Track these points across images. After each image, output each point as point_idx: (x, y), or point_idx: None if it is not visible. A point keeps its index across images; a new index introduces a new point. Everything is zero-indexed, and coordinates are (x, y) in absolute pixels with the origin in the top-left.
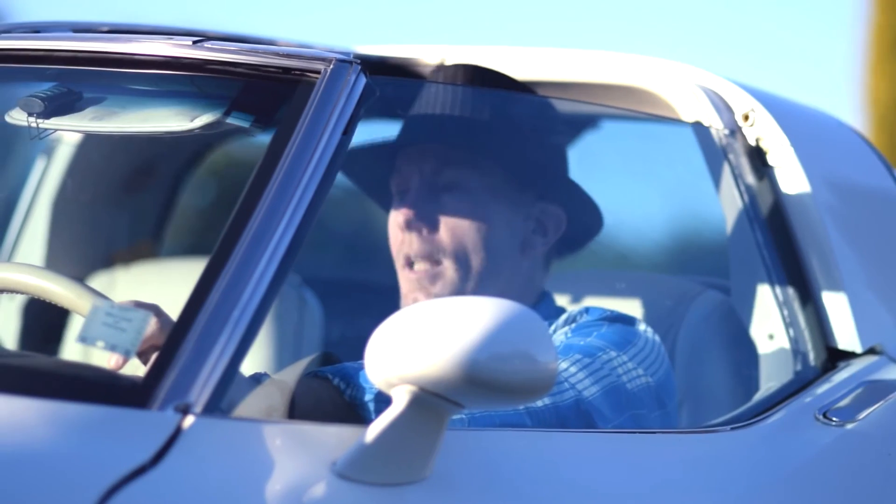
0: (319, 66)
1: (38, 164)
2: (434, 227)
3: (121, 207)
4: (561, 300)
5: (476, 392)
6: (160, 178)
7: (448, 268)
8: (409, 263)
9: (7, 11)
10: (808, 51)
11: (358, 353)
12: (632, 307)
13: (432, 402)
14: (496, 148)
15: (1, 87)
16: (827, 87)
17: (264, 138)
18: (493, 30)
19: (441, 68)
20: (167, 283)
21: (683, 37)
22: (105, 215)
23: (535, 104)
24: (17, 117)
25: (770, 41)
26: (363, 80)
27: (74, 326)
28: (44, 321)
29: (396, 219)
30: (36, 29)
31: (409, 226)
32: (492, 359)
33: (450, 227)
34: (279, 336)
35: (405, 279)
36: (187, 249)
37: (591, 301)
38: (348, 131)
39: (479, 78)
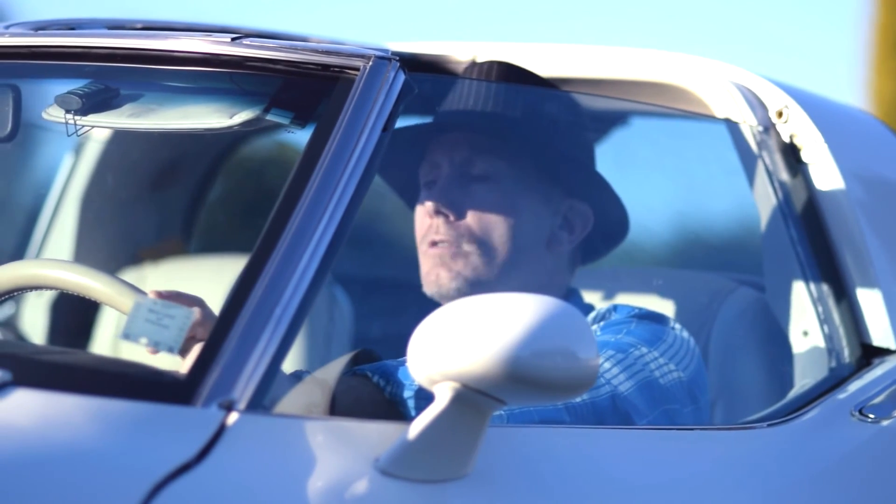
0: (358, 62)
1: (67, 161)
2: (461, 213)
3: (149, 204)
4: (594, 297)
5: (518, 389)
6: (189, 175)
7: (472, 252)
8: (433, 245)
9: (7, 11)
10: (811, 49)
11: (388, 350)
12: (665, 304)
13: (474, 398)
14: (527, 143)
15: (38, 84)
16: (830, 86)
17: (294, 135)
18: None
19: (474, 65)
20: (196, 280)
21: (684, 36)
22: (134, 212)
23: (568, 101)
24: (54, 114)
25: (774, 39)
26: (402, 77)
27: (102, 322)
28: (72, 317)
29: (424, 205)
30: (71, 26)
31: (437, 211)
32: (534, 355)
33: (477, 216)
34: (310, 333)
35: (427, 257)
36: (216, 246)
37: (623, 298)
38: (388, 128)
39: (513, 75)
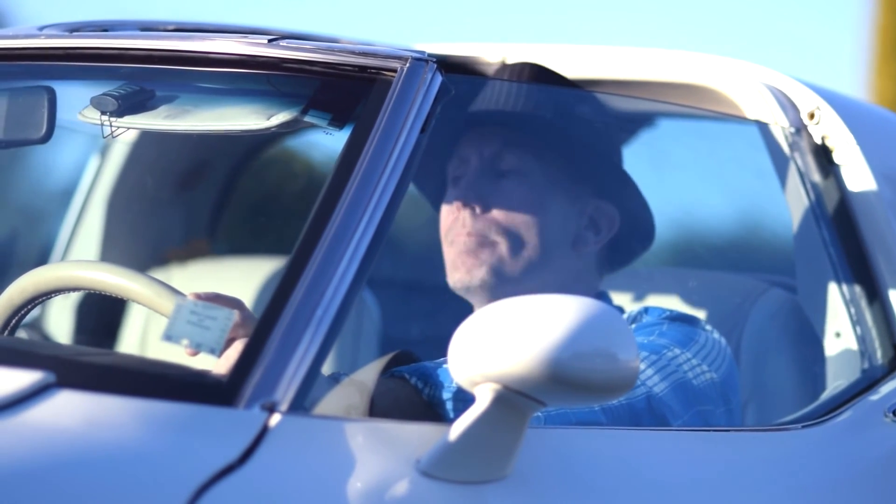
0: (396, 64)
1: (93, 162)
2: (488, 207)
3: (176, 205)
4: (625, 297)
5: (559, 390)
6: (215, 176)
7: (499, 243)
8: (458, 237)
9: (7, 11)
10: (812, 50)
11: (416, 351)
12: (696, 305)
13: (515, 400)
14: (556, 143)
15: (74, 86)
16: (831, 87)
17: (322, 137)
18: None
19: (505, 66)
20: (223, 282)
21: (683, 36)
22: (160, 213)
23: (596, 102)
24: (89, 116)
25: (774, 39)
26: (439, 79)
27: (129, 323)
28: (98, 318)
29: (451, 199)
30: (104, 28)
31: (464, 204)
32: (575, 357)
33: (504, 209)
34: (339, 335)
35: (452, 247)
36: (243, 248)
37: (654, 298)
38: (425, 129)
39: (542, 77)
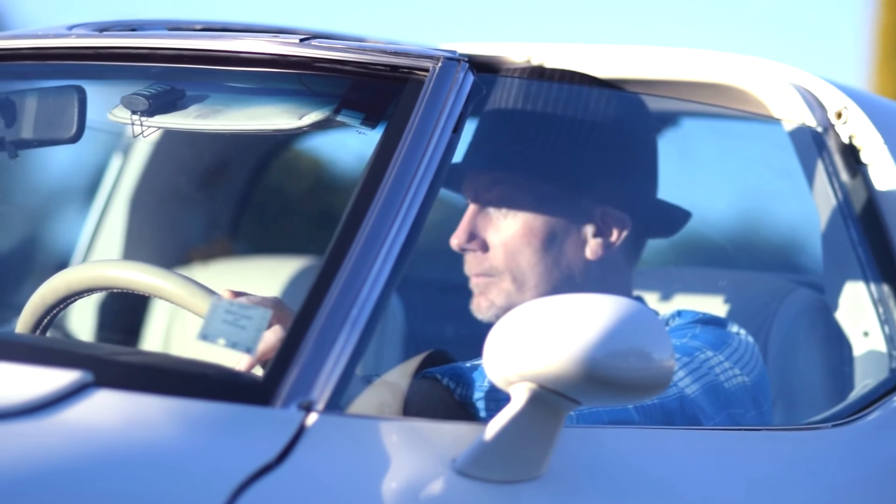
0: (428, 63)
1: (115, 161)
2: (485, 246)
3: (198, 204)
4: (652, 297)
5: (594, 389)
6: (238, 175)
7: (503, 281)
8: (474, 275)
9: (7, 11)
10: (813, 49)
11: (419, 350)
12: (723, 304)
13: (550, 399)
14: (551, 158)
15: (103, 85)
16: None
17: (345, 136)
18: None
19: (531, 67)
20: (245, 281)
21: (683, 36)
22: (183, 212)
23: (622, 100)
24: (120, 115)
25: (775, 39)
26: (471, 78)
27: (151, 322)
28: (120, 317)
29: (457, 233)
30: (132, 27)
31: (462, 249)
32: (610, 356)
33: (501, 245)
34: None
35: (473, 286)
36: (265, 247)
37: (683, 297)
38: (458, 129)
39: (569, 77)
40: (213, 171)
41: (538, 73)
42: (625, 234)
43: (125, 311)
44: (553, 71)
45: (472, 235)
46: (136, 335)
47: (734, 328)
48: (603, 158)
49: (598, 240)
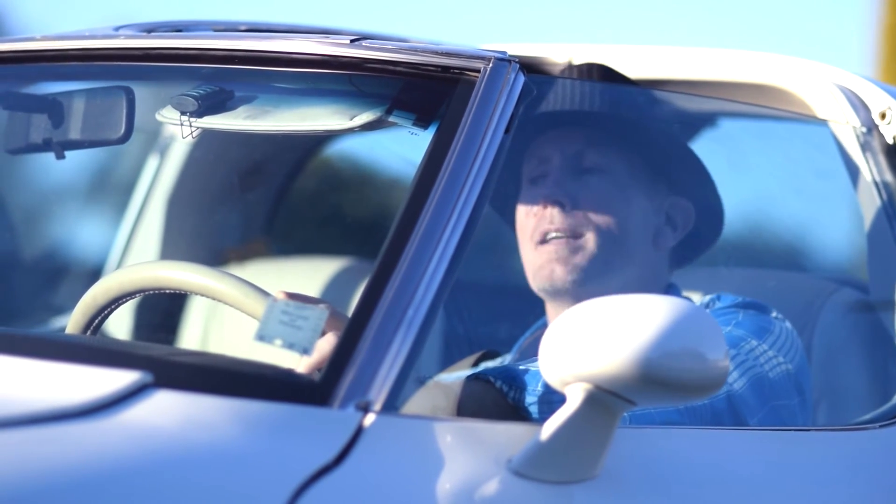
0: (479, 64)
1: (152, 162)
2: (577, 203)
3: (234, 205)
4: (695, 298)
5: (650, 390)
6: (274, 176)
7: (590, 240)
8: (544, 240)
9: (7, 12)
10: (816, 50)
11: (466, 350)
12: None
13: (606, 399)
14: (634, 141)
15: (151, 86)
16: None
17: (383, 138)
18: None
19: (573, 67)
20: (282, 283)
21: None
22: (219, 213)
23: (669, 101)
24: (168, 116)
25: (777, 40)
26: (522, 79)
27: (188, 322)
28: (157, 317)
29: (534, 198)
30: (178, 28)
31: (553, 201)
32: (666, 357)
33: (593, 206)
34: None
35: (540, 253)
36: (301, 248)
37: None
38: (509, 129)
39: (612, 77)
40: (249, 171)
41: (587, 74)
42: (688, 228)
43: (161, 312)
44: (604, 70)
45: (563, 190)
46: (173, 335)
47: (774, 312)
48: (675, 150)
49: (666, 228)
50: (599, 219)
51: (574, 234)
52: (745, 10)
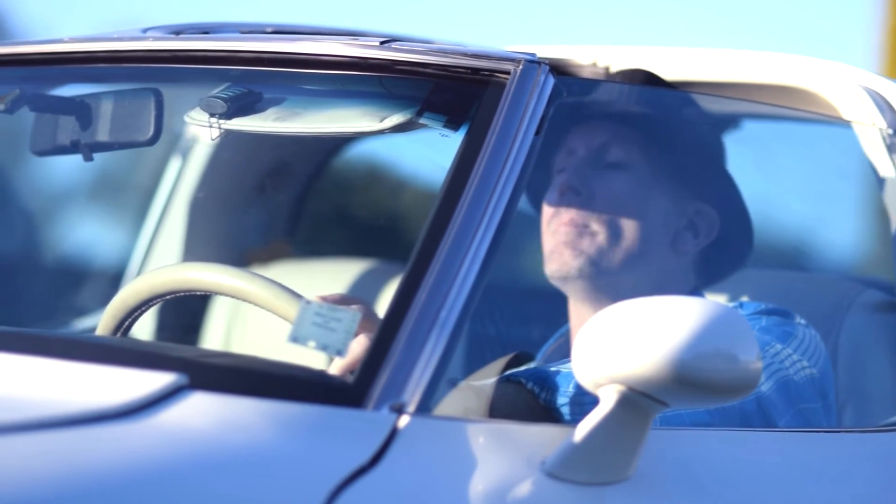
0: (509, 66)
1: (174, 164)
2: (592, 196)
3: (257, 207)
4: (720, 299)
5: (682, 391)
6: (297, 178)
7: (600, 230)
8: (557, 224)
9: (7, 12)
10: (821, 51)
11: (495, 352)
12: (791, 306)
13: (639, 401)
14: (661, 142)
15: (178, 88)
16: None
17: (402, 140)
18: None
19: (602, 69)
20: (306, 285)
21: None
22: (241, 215)
23: (701, 104)
24: (197, 118)
25: (780, 40)
26: (552, 81)
27: (211, 323)
28: (180, 318)
29: (554, 188)
30: (205, 30)
31: (569, 187)
32: (699, 358)
33: (608, 199)
34: None
35: (553, 236)
36: (324, 250)
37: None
38: (540, 131)
39: (640, 78)
40: (272, 173)
41: (617, 76)
42: (711, 237)
43: (185, 312)
44: (634, 73)
45: (581, 181)
46: (196, 336)
47: (797, 318)
48: (704, 156)
49: (686, 233)
50: (613, 210)
51: (585, 221)
52: (747, 11)
